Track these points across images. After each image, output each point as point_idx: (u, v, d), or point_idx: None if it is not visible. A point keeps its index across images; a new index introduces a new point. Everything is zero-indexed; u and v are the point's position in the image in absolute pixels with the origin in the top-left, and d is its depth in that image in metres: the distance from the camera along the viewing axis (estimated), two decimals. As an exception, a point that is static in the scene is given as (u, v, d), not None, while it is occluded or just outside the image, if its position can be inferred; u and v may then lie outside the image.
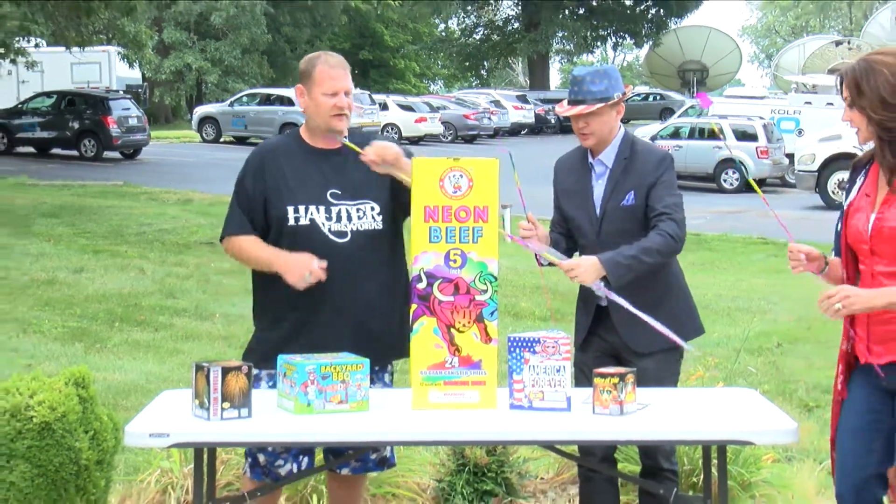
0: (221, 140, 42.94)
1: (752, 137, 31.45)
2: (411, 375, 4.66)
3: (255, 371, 4.74)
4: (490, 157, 4.75)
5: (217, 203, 23.99)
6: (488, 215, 4.65)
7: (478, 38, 72.63)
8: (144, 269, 16.46)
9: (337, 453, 5.10)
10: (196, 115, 46.45)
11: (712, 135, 31.89)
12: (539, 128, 52.35)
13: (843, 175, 26.52)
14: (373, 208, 4.98)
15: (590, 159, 5.25)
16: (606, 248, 4.97)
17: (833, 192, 26.67)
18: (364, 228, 4.96)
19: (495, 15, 71.29)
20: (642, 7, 68.14)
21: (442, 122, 46.44)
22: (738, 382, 5.74)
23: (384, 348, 5.03)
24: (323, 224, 4.91)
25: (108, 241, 19.37)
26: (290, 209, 4.91)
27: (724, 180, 31.21)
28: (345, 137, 4.97)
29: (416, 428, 4.60)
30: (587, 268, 4.86)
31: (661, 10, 67.37)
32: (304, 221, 4.91)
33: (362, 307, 4.97)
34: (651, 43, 68.67)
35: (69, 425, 5.87)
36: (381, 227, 5.01)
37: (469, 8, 70.05)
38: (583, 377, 5.02)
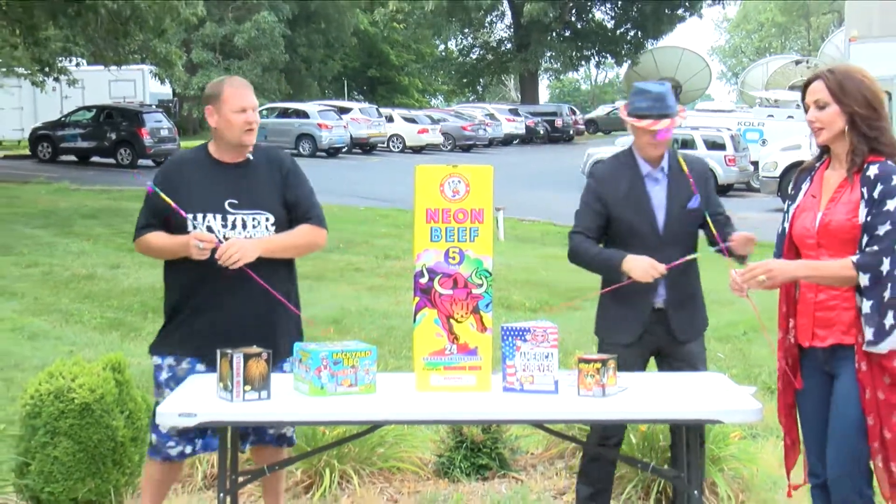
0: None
1: (721, 147, 31.50)
2: (414, 361, 4.66)
3: (157, 360, 5.02)
4: (485, 165, 4.74)
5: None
6: (483, 217, 4.64)
7: (474, 57, 72.63)
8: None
9: (243, 435, 5.07)
10: (221, 127, 46.27)
11: (685, 145, 31.90)
12: (529, 138, 52.29)
13: (804, 180, 26.61)
14: (267, 219, 4.96)
15: (644, 167, 5.16)
16: (668, 249, 4.99)
17: (792, 196, 26.64)
18: (257, 237, 4.93)
19: (490, 37, 71.26)
20: (622, 30, 68.18)
21: (442, 133, 46.42)
22: (708, 367, 5.72)
23: (276, 341, 4.93)
24: (218, 231, 4.87)
25: (141, 240, 19.27)
26: (190, 217, 4.87)
27: (696, 185, 31.17)
28: (249, 154, 5.02)
29: (419, 409, 4.60)
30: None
31: (639, 33, 67.39)
32: (198, 226, 4.87)
33: (250, 309, 4.93)
34: (630, 62, 68.64)
35: (107, 406, 5.90)
36: (267, 234, 4.98)
37: (466, 30, 70.04)
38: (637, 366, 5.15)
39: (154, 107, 41.86)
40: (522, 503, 5.98)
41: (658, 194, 5.12)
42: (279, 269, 5.03)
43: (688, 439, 4.64)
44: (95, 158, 37.33)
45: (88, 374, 5.90)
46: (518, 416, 4.83)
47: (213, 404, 4.43)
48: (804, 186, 4.29)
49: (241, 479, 4.95)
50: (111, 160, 36.82)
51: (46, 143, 38.54)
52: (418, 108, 59.84)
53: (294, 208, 5.09)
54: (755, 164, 30.44)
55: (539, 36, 65.88)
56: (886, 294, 3.87)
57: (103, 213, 23.06)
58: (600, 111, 65.21)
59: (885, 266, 3.87)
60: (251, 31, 56.15)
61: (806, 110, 4.21)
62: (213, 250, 4.75)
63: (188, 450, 5.01)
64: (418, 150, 44.46)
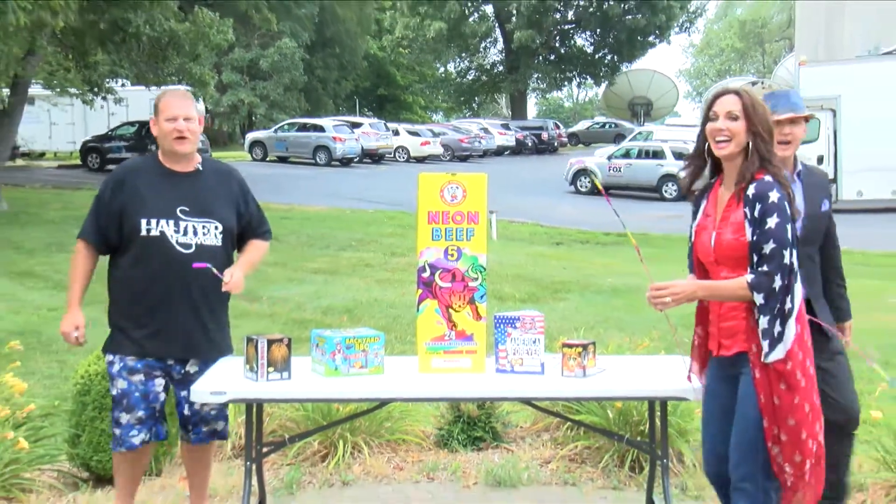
0: (267, 159, 42.90)
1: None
2: (417, 346, 4.66)
3: (107, 357, 4.76)
4: (480, 173, 4.74)
5: (266, 210, 23.88)
6: (478, 219, 4.64)
7: (470, 78, 72.65)
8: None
9: (185, 427, 4.89)
10: (247, 140, 46.40)
11: (656, 154, 31.93)
12: (519, 149, 52.25)
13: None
14: (216, 227, 4.74)
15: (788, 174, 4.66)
16: (806, 249, 4.51)
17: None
18: (207, 244, 4.70)
19: (484, 60, 71.26)
20: (600, 54, 68.17)
21: (442, 145, 46.40)
22: (676, 351, 5.69)
23: (213, 342, 4.81)
24: (171, 236, 4.63)
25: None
26: (143, 221, 4.62)
27: (665, 191, 31.19)
28: (199, 165, 4.82)
29: (421, 388, 4.60)
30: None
31: (615, 57, 67.40)
32: (154, 232, 4.62)
33: (195, 312, 4.72)
34: (607, 82, 68.67)
35: (146, 385, 5.85)
36: (220, 244, 4.76)
37: (463, 55, 70.03)
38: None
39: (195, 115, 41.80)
40: (513, 471, 5.97)
41: (799, 196, 4.53)
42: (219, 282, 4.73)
43: (660, 414, 4.64)
44: (137, 167, 37.24)
45: (130, 357, 5.88)
46: (509, 395, 4.82)
47: (240, 384, 4.43)
48: (702, 204, 4.13)
49: (265, 449, 4.95)
50: (151, 169, 36.71)
51: (95, 154, 38.65)
52: (421, 122, 59.79)
53: (248, 223, 4.95)
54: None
55: (527, 60, 65.97)
56: (778, 306, 3.77)
57: (144, 216, 22.95)
58: (581, 125, 65.09)
59: (777, 283, 3.76)
60: (274, 56, 56.21)
61: (710, 120, 3.99)
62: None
63: (147, 437, 4.75)
64: (421, 159, 44.43)
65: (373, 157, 43.79)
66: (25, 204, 24.92)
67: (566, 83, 73.85)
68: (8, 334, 9.95)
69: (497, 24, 67.26)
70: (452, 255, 4.63)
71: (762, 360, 3.78)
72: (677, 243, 20.03)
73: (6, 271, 15.32)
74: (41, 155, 46.79)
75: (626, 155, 32.93)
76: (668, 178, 31.24)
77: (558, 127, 59.65)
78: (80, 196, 27.75)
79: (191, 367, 4.76)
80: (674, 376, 4.58)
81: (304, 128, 43.46)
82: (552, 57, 68.12)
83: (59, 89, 34.21)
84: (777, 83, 47.13)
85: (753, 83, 51.78)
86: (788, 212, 3.79)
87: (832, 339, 4.61)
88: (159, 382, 4.73)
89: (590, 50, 68.64)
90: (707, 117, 4.00)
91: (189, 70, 32.90)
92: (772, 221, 3.77)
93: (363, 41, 64.80)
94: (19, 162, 41.62)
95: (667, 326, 7.48)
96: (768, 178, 3.84)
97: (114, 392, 4.71)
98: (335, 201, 26.83)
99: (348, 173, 37.71)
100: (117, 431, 4.73)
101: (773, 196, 3.79)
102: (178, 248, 4.63)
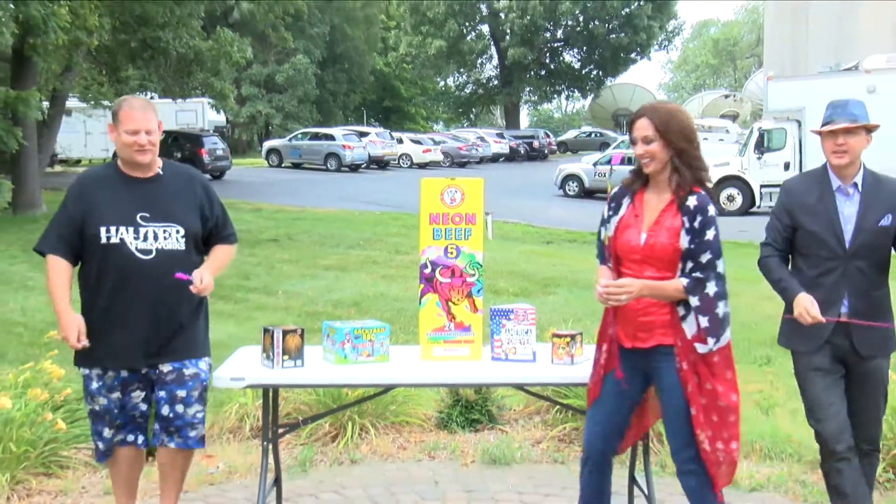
0: (282, 166, 42.93)
1: (666, 163, 31.55)
2: (420, 336, 4.65)
3: (82, 372, 4.39)
4: (477, 178, 4.72)
5: (280, 211, 24.01)
6: (475, 220, 4.63)
7: (468, 91, 72.63)
8: (227, 259, 16.40)
9: (164, 430, 4.40)
10: (264, 148, 46.43)
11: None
12: (512, 156, 52.20)
13: (732, 191, 26.70)
14: (178, 231, 4.32)
15: (835, 181, 4.37)
16: (853, 263, 4.28)
17: (723, 203, 26.69)
18: (168, 248, 4.29)
19: (480, 75, 71.26)
20: (586, 70, 68.19)
21: (442, 152, 46.35)
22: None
23: (186, 343, 4.40)
24: (130, 242, 4.24)
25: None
26: (103, 229, 4.23)
27: (646, 194, 31.24)
28: (159, 169, 4.43)
29: (423, 374, 4.59)
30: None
31: (600, 72, 67.45)
32: (114, 240, 4.23)
33: (160, 316, 4.30)
34: (593, 95, 68.72)
35: (172, 372, 5.83)
36: (183, 248, 4.34)
37: (461, 70, 70.06)
38: (821, 375, 4.37)
39: (211, 132, 41.92)
40: (507, 450, 5.96)
41: (848, 208, 4.33)
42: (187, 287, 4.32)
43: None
44: (164, 173, 37.26)
45: (157, 346, 5.87)
46: (503, 381, 4.82)
47: (257, 370, 4.42)
48: (625, 203, 4.04)
49: (280, 430, 4.94)
50: (177, 174, 36.76)
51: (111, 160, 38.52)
52: (423, 132, 59.78)
53: (213, 227, 4.52)
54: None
55: (520, 74, 66.01)
56: (714, 309, 3.75)
57: (170, 217, 22.97)
58: (569, 135, 64.93)
59: (710, 289, 3.75)
60: (289, 71, 56.20)
61: (633, 143, 3.95)
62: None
63: (130, 438, 4.43)
64: (423, 166, 44.40)
65: (379, 163, 43.80)
66: (62, 206, 24.86)
67: (556, 96, 73.88)
68: (47, 325, 9.94)
69: (492, 42, 67.25)
70: (452, 253, 4.62)
71: (694, 354, 3.77)
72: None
73: (44, 267, 15.29)
74: (77, 161, 46.81)
75: (609, 162, 32.95)
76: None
77: (548, 136, 59.60)
78: (112, 199, 27.71)
79: (164, 367, 4.36)
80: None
81: (316, 137, 43.47)
82: (543, 72, 68.16)
83: (93, 102, 34.25)
84: (747, 96, 47.23)
85: (726, 96, 52.01)
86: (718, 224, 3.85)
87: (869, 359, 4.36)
88: (137, 395, 4.39)
89: (577, 66, 68.66)
90: (632, 140, 3.96)
91: (211, 84, 32.98)
92: (710, 234, 3.78)
93: (370, 57, 64.79)
94: (57, 168, 41.70)
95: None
96: (704, 191, 3.84)
97: (95, 408, 4.37)
98: (344, 204, 26.82)
99: (356, 178, 37.71)
100: (101, 445, 4.42)
101: (711, 210, 3.83)
102: (138, 254, 4.26)
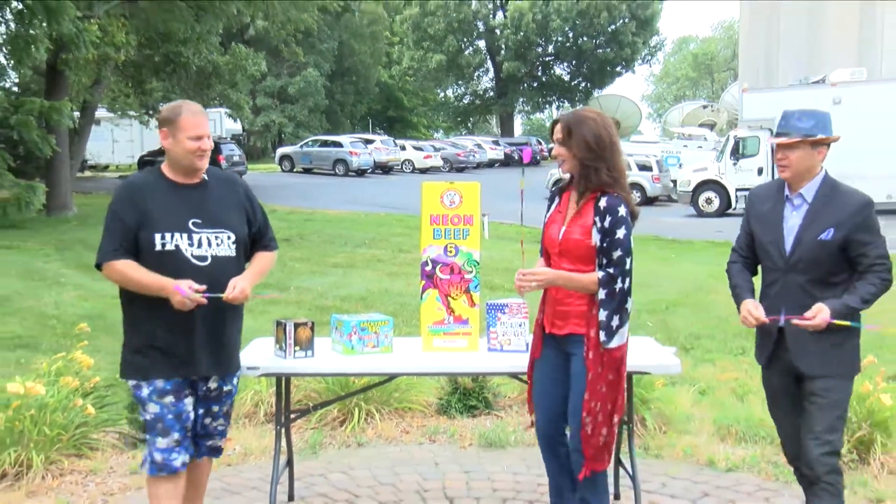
0: (294, 171, 42.88)
1: (649, 168, 31.51)
2: (421, 328, 4.66)
3: (131, 382, 3.96)
4: (474, 182, 4.73)
5: (293, 213, 23.98)
6: (473, 221, 4.63)
7: (466, 102, 72.51)
8: (243, 257, 16.39)
9: (194, 442, 4.08)
10: (277, 154, 46.36)
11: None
12: (507, 162, 52.13)
13: (710, 194, 26.70)
14: (229, 237, 3.98)
15: (787, 192, 3.96)
16: (791, 275, 3.86)
17: (702, 205, 26.71)
18: (221, 254, 3.95)
19: (477, 87, 71.13)
20: (575, 82, 68.13)
21: (442, 158, 46.35)
22: (639, 333, 5.68)
23: (231, 358, 4.11)
24: (186, 249, 3.88)
25: (219, 238, 19.24)
26: (157, 236, 3.85)
27: (630, 197, 31.21)
28: (204, 175, 4.06)
29: (424, 364, 4.60)
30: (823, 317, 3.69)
31: (588, 84, 67.39)
32: (169, 247, 3.86)
33: (218, 323, 3.99)
34: (581, 105, 68.55)
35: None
36: (234, 254, 4.01)
37: (460, 82, 69.93)
38: (771, 392, 4.13)
39: (229, 139, 41.88)
40: (502, 434, 5.96)
41: (793, 219, 3.91)
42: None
43: (626, 385, 4.62)
44: (185, 177, 37.25)
45: (179, 337, 5.87)
46: (499, 370, 4.81)
47: (271, 360, 4.43)
48: (556, 200, 4.03)
49: (292, 415, 4.94)
50: (197, 179, 36.78)
51: (150, 166, 38.40)
52: (424, 139, 59.73)
53: (256, 232, 4.17)
54: (674, 181, 30.49)
55: (514, 86, 66.00)
56: (617, 304, 3.75)
57: (191, 218, 22.96)
58: (558, 142, 64.71)
59: (619, 284, 3.74)
60: (300, 83, 56.15)
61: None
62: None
63: (187, 458, 4.00)
64: (424, 170, 44.38)
65: (383, 168, 43.76)
66: (93, 209, 24.88)
67: (547, 106, 73.63)
68: (78, 318, 9.96)
69: (488, 57, 67.18)
70: (451, 252, 4.63)
71: (600, 346, 3.75)
72: (638, 242, 20.10)
73: (77, 265, 15.31)
74: (105, 167, 46.87)
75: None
76: (633, 186, 31.18)
77: (541, 143, 59.42)
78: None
79: (213, 384, 4.07)
80: (638, 354, 4.57)
81: (325, 144, 43.43)
82: (535, 84, 68.10)
83: (120, 112, 34.40)
84: (724, 107, 47.17)
85: (704, 106, 51.89)
86: (632, 224, 3.82)
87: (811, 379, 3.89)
88: (189, 402, 3.99)
89: (567, 78, 68.59)
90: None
91: (228, 95, 33.06)
92: (620, 233, 3.75)
93: (375, 71, 64.75)
94: (87, 173, 41.70)
95: (634, 312, 7.37)
96: (616, 193, 3.81)
97: (147, 417, 3.95)
98: (352, 206, 26.80)
99: (363, 182, 37.69)
100: (157, 456, 3.94)
101: (622, 211, 3.76)
102: (194, 261, 3.91)
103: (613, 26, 62.22)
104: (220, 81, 31.69)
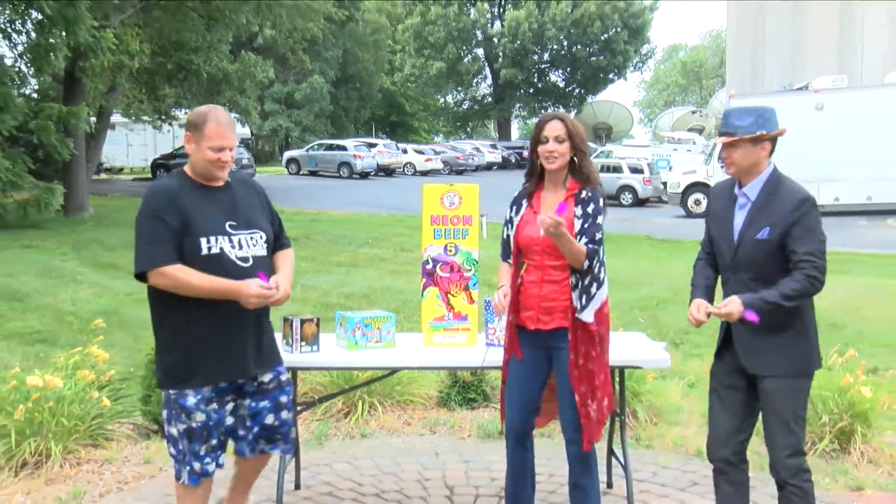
0: (300, 173, 42.89)
1: (641, 171, 31.55)
2: (422, 324, 4.66)
3: (172, 392, 3.72)
4: (472, 184, 4.73)
5: (299, 214, 23.96)
6: (472, 221, 4.63)
7: (465, 107, 72.49)
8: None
9: (253, 438, 3.93)
10: (284, 157, 46.37)
11: (615, 169, 31.91)
12: (504, 165, 52.14)
13: (698, 195, 26.69)
14: (261, 237, 3.84)
15: (736, 190, 3.79)
16: (738, 274, 3.71)
17: (691, 207, 26.71)
18: (258, 254, 3.80)
19: (476, 93, 71.08)
20: (570, 88, 68.09)
21: (442, 161, 46.35)
22: (632, 328, 5.70)
23: (273, 352, 3.97)
24: (230, 252, 3.70)
25: (229, 237, 19.26)
26: (203, 240, 3.64)
27: (622, 199, 31.19)
28: (227, 179, 3.85)
29: (425, 358, 4.60)
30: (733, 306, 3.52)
31: (582, 90, 67.35)
32: (215, 250, 3.67)
33: (260, 323, 3.86)
34: (576, 111, 68.34)
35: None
36: (266, 253, 3.86)
37: (459, 88, 69.87)
38: (714, 383, 3.92)
39: (238, 143, 41.87)
40: (499, 426, 5.95)
41: (739, 218, 3.75)
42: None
43: (619, 379, 4.63)
44: (196, 180, 37.31)
45: (190, 333, 5.87)
46: (496, 364, 4.79)
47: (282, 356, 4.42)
48: (524, 204, 4.00)
49: (298, 407, 4.94)
50: (207, 181, 36.86)
51: (163, 169, 38.62)
52: (425, 143, 59.72)
53: (277, 230, 4.03)
54: (664, 183, 30.52)
55: (511, 92, 65.97)
56: (593, 274, 3.80)
57: (202, 219, 22.99)
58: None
59: (598, 259, 3.79)
60: (306, 89, 56.12)
61: (540, 143, 3.89)
62: None
63: (220, 462, 3.83)
64: (425, 173, 44.36)
65: (386, 171, 43.75)
66: (108, 210, 24.90)
67: (543, 111, 73.90)
68: (94, 314, 9.95)
69: (486, 64, 67.15)
70: (451, 251, 4.63)
71: (577, 315, 3.79)
72: (632, 242, 20.11)
73: (93, 263, 15.32)
74: (120, 170, 46.85)
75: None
76: (625, 188, 31.27)
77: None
78: (150, 203, 27.73)
79: (264, 377, 3.89)
80: (630, 349, 4.58)
81: (330, 147, 43.45)
82: (531, 90, 68.06)
83: (134, 117, 34.44)
84: (712, 112, 47.16)
85: (693, 112, 51.88)
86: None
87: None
88: (229, 408, 3.84)
89: (562, 84, 68.56)
90: (538, 140, 3.92)
91: (237, 101, 33.11)
92: (601, 219, 3.86)
93: (378, 77, 64.70)
94: (103, 176, 41.68)
95: (624, 308, 7.44)
96: (593, 187, 3.91)
97: (192, 425, 3.70)
98: (356, 207, 26.80)
99: (366, 184, 37.68)
100: (196, 464, 3.75)
101: (602, 202, 3.89)
102: (239, 262, 3.73)
103: (606, 35, 62.22)
104: (230, 88, 31.73)
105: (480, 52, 66.88)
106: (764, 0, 38.58)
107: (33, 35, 19.98)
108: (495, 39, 64.31)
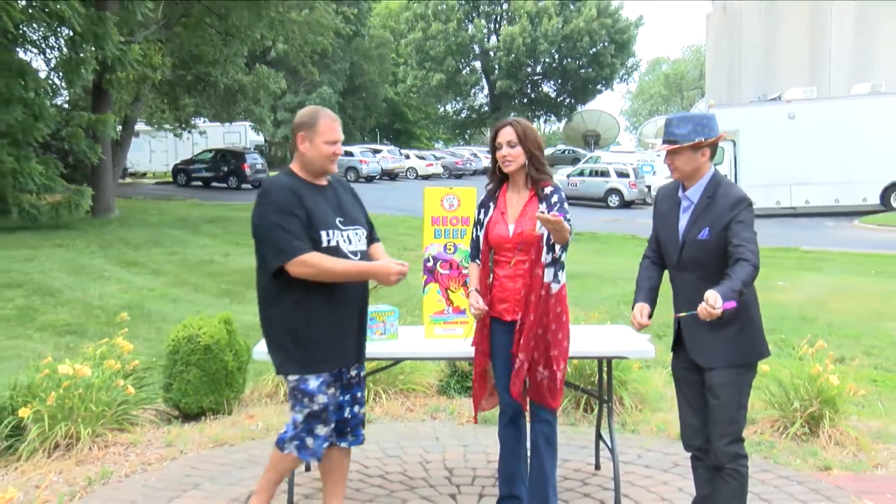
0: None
1: (627, 175, 31.56)
2: (423, 318, 4.66)
3: (295, 376, 3.65)
4: (470, 187, 4.73)
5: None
6: (470, 222, 4.63)
7: (463, 116, 72.39)
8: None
9: (342, 431, 3.87)
10: (296, 163, 46.37)
11: (603, 174, 31.91)
12: (500, 170, 52.18)
13: (679, 198, 26.68)
14: (363, 232, 3.82)
15: (680, 193, 3.72)
16: (683, 273, 3.65)
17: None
18: (362, 249, 3.79)
19: (474, 103, 71.01)
20: (561, 98, 67.94)
21: (442, 166, 46.38)
22: (618, 322, 5.69)
23: (363, 348, 3.92)
24: (343, 245, 3.67)
25: (244, 237, 19.24)
26: (324, 233, 3.61)
27: (610, 201, 31.19)
28: (329, 179, 3.82)
29: (426, 349, 4.59)
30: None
31: (572, 100, 67.20)
32: (332, 243, 3.62)
33: (363, 314, 3.86)
34: (566, 119, 68.40)
35: (221, 347, 5.87)
36: (365, 248, 3.84)
37: (458, 98, 69.84)
38: (677, 378, 3.87)
39: (252, 149, 41.93)
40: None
41: (683, 220, 3.68)
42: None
43: (606, 369, 4.63)
44: (214, 184, 37.34)
45: (209, 325, 5.88)
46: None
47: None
48: (491, 205, 3.97)
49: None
50: (224, 185, 36.92)
51: (182, 173, 38.64)
52: (426, 149, 59.68)
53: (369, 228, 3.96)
54: (648, 187, 30.55)
55: (506, 102, 65.89)
56: (558, 264, 3.80)
57: (219, 220, 23.05)
58: (547, 151, 63.92)
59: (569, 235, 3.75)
60: (316, 99, 55.94)
61: (497, 148, 3.88)
62: None
63: (338, 441, 3.85)
64: (426, 177, 44.37)
65: (390, 175, 43.80)
66: (132, 211, 24.92)
67: (535, 120, 73.46)
68: (119, 308, 9.96)
69: (483, 76, 67.12)
70: (450, 250, 4.63)
71: (549, 291, 3.78)
72: (618, 240, 20.11)
73: (118, 261, 15.33)
74: (143, 174, 46.88)
75: (581, 174, 32.96)
76: (612, 191, 31.27)
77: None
78: (171, 205, 27.79)
79: (353, 371, 3.86)
80: (616, 340, 4.58)
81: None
82: (525, 100, 67.99)
83: (156, 125, 34.47)
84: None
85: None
86: None
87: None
88: (338, 393, 3.79)
89: (553, 95, 68.46)
90: (495, 145, 3.92)
91: (252, 111, 33.18)
92: (566, 206, 3.84)
93: (383, 88, 64.64)
94: (128, 180, 41.73)
95: (612, 303, 7.38)
96: (552, 184, 3.90)
97: (314, 408, 3.65)
98: (362, 208, 26.77)
99: (371, 187, 37.67)
100: (310, 441, 3.69)
101: (562, 193, 3.89)
102: (352, 256, 3.69)
103: (594, 49, 62.20)
104: (245, 98, 31.79)
105: (478, 64, 66.85)
106: (740, 17, 38.56)
107: (65, 50, 20.15)
108: (491, 53, 64.26)
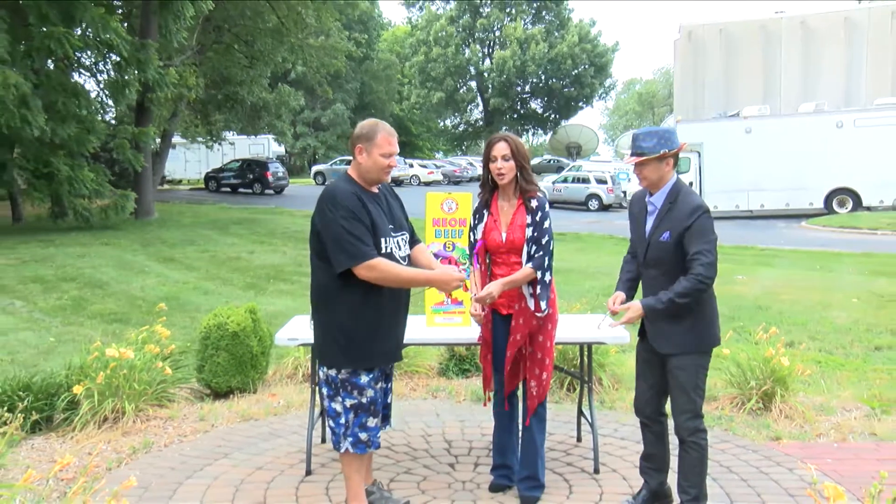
0: (326, 184, 42.84)
1: (605, 182, 31.53)
2: (425, 308, 4.66)
3: (347, 370, 3.53)
4: (467, 193, 4.73)
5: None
6: (466, 223, 4.63)
7: (460, 129, 72.32)
8: (286, 252, 16.43)
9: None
10: (312, 171, 46.37)
11: (584, 180, 31.91)
12: (493, 177, 52.08)
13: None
14: (407, 238, 3.71)
15: (647, 198, 3.71)
16: (649, 269, 3.66)
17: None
18: (406, 254, 3.66)
19: (470, 118, 70.91)
20: (546, 114, 67.91)
21: (442, 174, 46.26)
22: (598, 311, 5.69)
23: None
24: (395, 251, 3.55)
25: (267, 237, 19.33)
26: (383, 241, 3.47)
27: (590, 205, 31.16)
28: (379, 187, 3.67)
29: (428, 336, 4.59)
30: (633, 311, 3.55)
31: (557, 115, 67.15)
32: (388, 250, 3.49)
33: (407, 313, 3.76)
34: (552, 132, 68.33)
35: (247, 333, 5.87)
36: (409, 253, 3.70)
37: (455, 114, 69.76)
38: (638, 358, 3.88)
39: (274, 159, 41.88)
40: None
41: (649, 223, 3.67)
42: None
43: (587, 353, 4.63)
44: (241, 190, 37.24)
45: (237, 314, 5.88)
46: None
47: (307, 332, 4.37)
48: (485, 213, 3.95)
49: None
50: (249, 191, 36.79)
51: (213, 180, 38.51)
52: (428, 159, 59.61)
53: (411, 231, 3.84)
54: (624, 192, 30.54)
55: (499, 117, 65.80)
56: (545, 277, 3.79)
57: (245, 222, 23.02)
58: (534, 161, 64.40)
59: (545, 261, 3.77)
60: (330, 115, 56.14)
61: (491, 161, 3.87)
62: None
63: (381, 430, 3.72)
64: (428, 184, 44.27)
65: (395, 182, 43.61)
66: (169, 213, 24.90)
67: (524, 133, 73.42)
68: (158, 299, 9.96)
69: (478, 94, 67.06)
70: (449, 248, 4.62)
71: (538, 315, 3.80)
72: (598, 240, 20.11)
73: (156, 258, 15.33)
74: (179, 181, 46.82)
75: (565, 181, 32.90)
76: (592, 196, 31.26)
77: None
78: (203, 209, 27.77)
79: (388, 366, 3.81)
80: (596, 328, 4.58)
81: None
82: (515, 115, 67.89)
83: (190, 138, 34.46)
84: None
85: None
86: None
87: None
88: (383, 386, 3.73)
89: (540, 111, 68.37)
90: (489, 158, 3.90)
91: (274, 125, 33.28)
92: (547, 223, 3.83)
93: (390, 105, 64.59)
94: (165, 186, 41.61)
95: (592, 295, 7.36)
96: (539, 195, 3.89)
97: (363, 401, 3.54)
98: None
99: (380, 193, 37.64)
100: (363, 435, 3.57)
101: (547, 207, 3.87)
102: (402, 261, 3.58)
103: (576, 71, 62.21)
104: (268, 114, 31.88)
105: (473, 84, 66.78)
106: (704, 44, 38.57)
107: (112, 73, 20.46)
108: (485, 74, 64.24)
